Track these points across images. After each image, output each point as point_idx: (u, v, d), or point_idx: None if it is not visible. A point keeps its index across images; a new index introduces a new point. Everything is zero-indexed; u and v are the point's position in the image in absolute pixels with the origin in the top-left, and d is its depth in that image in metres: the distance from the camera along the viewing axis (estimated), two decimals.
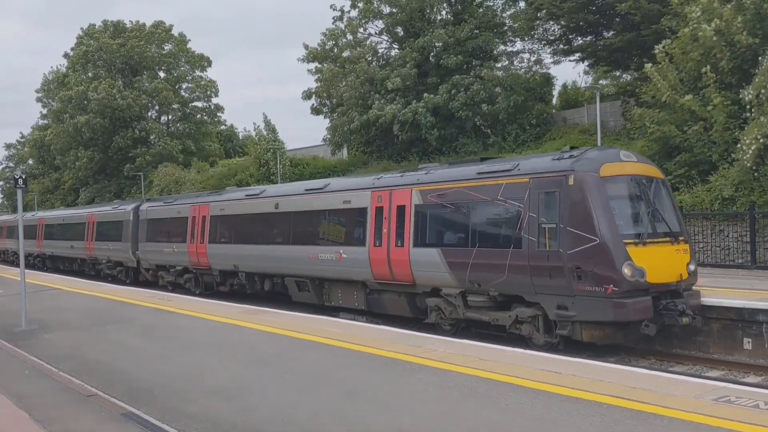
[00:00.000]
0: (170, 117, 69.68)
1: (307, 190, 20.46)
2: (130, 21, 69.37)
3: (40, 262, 45.49)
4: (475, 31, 39.88)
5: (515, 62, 42.00)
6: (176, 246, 26.53)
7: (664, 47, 23.93)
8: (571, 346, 13.39)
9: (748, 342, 13.21)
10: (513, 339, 14.98)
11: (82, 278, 32.14)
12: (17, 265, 42.72)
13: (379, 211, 17.09)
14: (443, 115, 38.77)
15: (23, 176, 17.22)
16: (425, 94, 38.56)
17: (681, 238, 13.49)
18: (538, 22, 36.19)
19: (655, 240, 12.99)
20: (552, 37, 37.36)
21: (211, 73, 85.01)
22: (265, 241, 21.62)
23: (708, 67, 21.89)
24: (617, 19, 31.73)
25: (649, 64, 24.24)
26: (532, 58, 41.15)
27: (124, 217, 31.25)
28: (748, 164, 20.03)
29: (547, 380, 9.18)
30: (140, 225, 29.77)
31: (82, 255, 36.90)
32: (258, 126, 52.89)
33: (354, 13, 45.00)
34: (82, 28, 71.25)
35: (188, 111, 68.97)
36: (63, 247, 39.95)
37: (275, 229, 21.40)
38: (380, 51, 45.89)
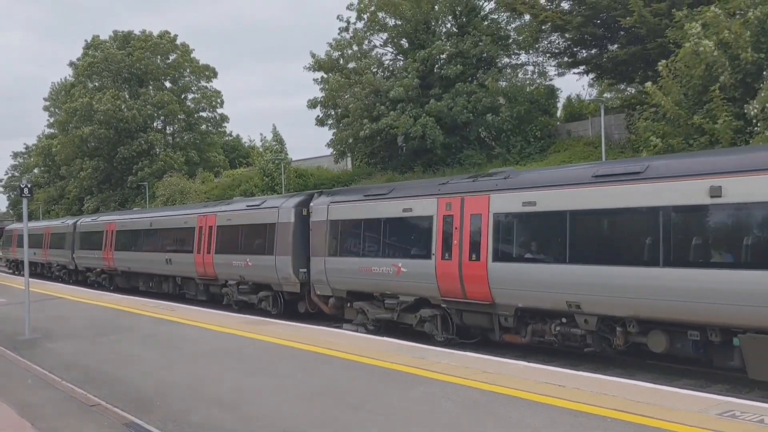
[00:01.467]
0: (175, 127, 70.02)
1: None
2: (141, 30, 70.02)
3: (106, 280, 34.00)
4: (479, 43, 40.11)
5: (519, 74, 42.24)
6: (404, 263, 16.60)
7: (666, 64, 23.98)
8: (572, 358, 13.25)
9: None
10: (516, 350, 14.91)
11: (189, 304, 23.52)
12: (69, 283, 36.32)
13: None
14: (447, 125, 38.90)
15: (28, 185, 17.25)
16: (432, 101, 38.70)
17: None
18: (542, 34, 36.32)
19: None
20: (556, 50, 37.50)
21: (216, 84, 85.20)
22: (677, 260, 11.61)
23: (717, 85, 21.89)
24: (622, 33, 31.82)
25: (649, 83, 24.28)
26: (537, 71, 41.41)
27: (280, 219, 20.98)
28: None
29: (550, 393, 9.14)
30: (316, 230, 19.67)
31: (188, 273, 26.12)
32: (265, 137, 53.10)
33: (360, 25, 45.36)
34: (86, 40, 71.87)
35: (193, 121, 69.28)
36: (151, 261, 28.78)
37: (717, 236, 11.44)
38: (385, 63, 46.17)
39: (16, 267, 50.87)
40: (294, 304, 21.31)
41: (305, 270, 20.11)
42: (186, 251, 25.97)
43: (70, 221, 40.47)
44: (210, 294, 25.39)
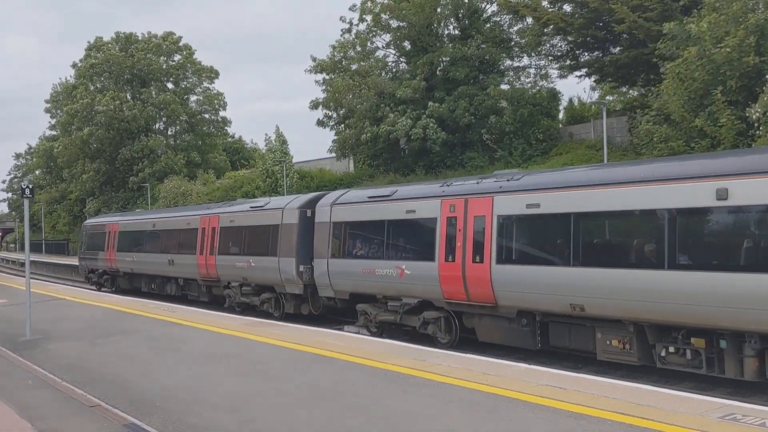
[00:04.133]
0: (177, 129, 70.00)
1: None
2: (142, 33, 70.10)
3: (423, 325, 15.83)
4: (482, 46, 40.12)
5: (522, 77, 42.25)
6: None
7: (672, 67, 23.91)
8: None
9: None
10: (517, 354, 14.88)
11: None
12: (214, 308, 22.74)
13: None
14: (449, 126, 38.92)
15: (30, 186, 17.24)
16: (430, 103, 38.75)
17: None
18: (545, 37, 36.31)
19: None
20: (558, 53, 37.49)
21: (219, 86, 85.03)
22: None
23: (720, 88, 21.85)
24: (624, 36, 31.79)
25: (666, 81, 24.23)
26: (539, 73, 41.41)
27: None
28: None
29: (552, 396, 9.12)
30: None
31: None
32: (269, 137, 53.03)
33: (363, 26, 45.38)
34: (88, 41, 71.87)
35: (195, 123, 69.24)
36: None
37: None
38: (389, 64, 46.20)
39: (111, 282, 33.46)
40: None
41: None
42: None
43: (290, 202, 21.08)
44: None
